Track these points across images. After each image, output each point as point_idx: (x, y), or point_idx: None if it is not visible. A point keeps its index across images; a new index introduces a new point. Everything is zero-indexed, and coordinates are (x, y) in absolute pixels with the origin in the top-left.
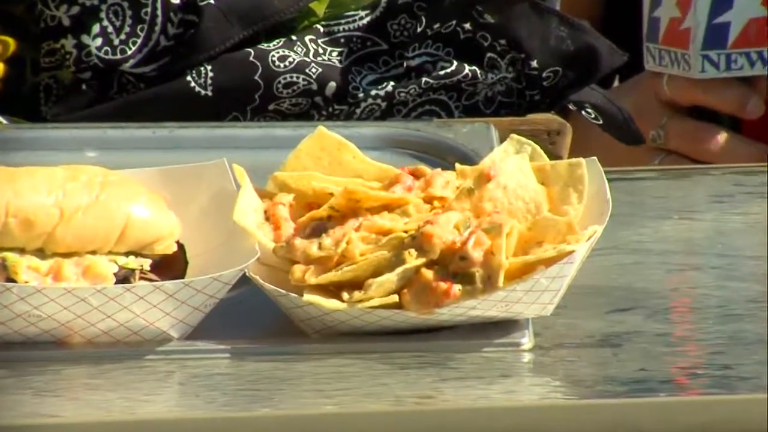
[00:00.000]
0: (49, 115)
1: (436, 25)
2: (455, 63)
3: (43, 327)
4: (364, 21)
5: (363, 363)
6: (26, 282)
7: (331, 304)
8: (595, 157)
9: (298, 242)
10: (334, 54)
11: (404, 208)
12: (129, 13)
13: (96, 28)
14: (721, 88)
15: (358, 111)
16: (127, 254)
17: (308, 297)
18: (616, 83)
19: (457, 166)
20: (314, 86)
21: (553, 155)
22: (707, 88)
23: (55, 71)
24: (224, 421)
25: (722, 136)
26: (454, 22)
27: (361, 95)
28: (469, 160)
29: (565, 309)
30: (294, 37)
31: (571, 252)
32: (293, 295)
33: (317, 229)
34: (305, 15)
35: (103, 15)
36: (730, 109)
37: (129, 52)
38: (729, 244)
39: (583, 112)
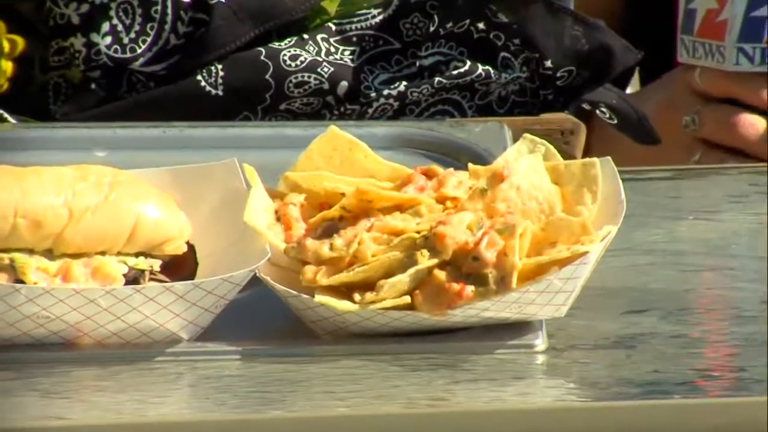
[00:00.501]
0: (58, 114)
1: (449, 24)
2: (468, 62)
3: (51, 328)
4: (377, 20)
5: (375, 365)
6: (35, 283)
7: (343, 305)
8: (609, 157)
9: (310, 243)
10: (346, 53)
11: (416, 209)
12: (139, 11)
13: (105, 27)
14: (755, 81)
15: (370, 111)
16: (136, 255)
17: (319, 298)
18: (636, 82)
19: (470, 166)
20: (326, 85)
21: (567, 155)
22: (740, 80)
23: (64, 70)
24: (235, 423)
25: (759, 123)
26: (467, 21)
27: (373, 95)
28: (482, 160)
29: (579, 310)
30: (305, 36)
31: (585, 253)
32: (304, 296)
33: (329, 230)
34: (317, 13)
35: (112, 13)
36: (763, 102)
37: (139, 51)
38: (744, 245)
39: (597, 112)
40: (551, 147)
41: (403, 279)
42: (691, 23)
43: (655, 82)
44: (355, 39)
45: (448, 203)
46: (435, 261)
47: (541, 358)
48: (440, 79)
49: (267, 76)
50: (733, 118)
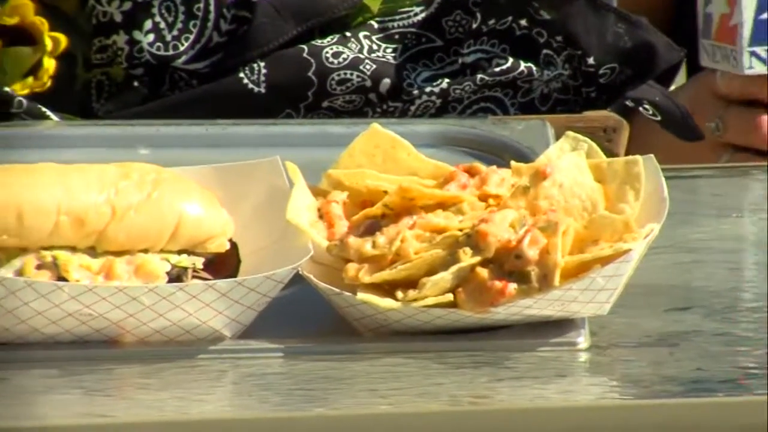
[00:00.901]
0: (101, 112)
1: (492, 22)
2: (511, 60)
3: (94, 326)
4: (419, 17)
5: (417, 362)
6: (77, 281)
7: (386, 302)
8: (652, 155)
9: (352, 240)
10: (389, 50)
11: (459, 206)
12: (181, 8)
13: (148, 24)
14: None
15: (412, 108)
16: (179, 252)
17: (362, 296)
18: (682, 80)
19: (513, 163)
20: (368, 83)
21: (610, 152)
22: (760, 82)
23: (107, 68)
24: (278, 421)
25: None
26: (510, 18)
27: (415, 92)
28: (525, 157)
29: (622, 308)
30: (348, 34)
31: (628, 250)
32: (347, 293)
33: (371, 228)
34: (359, 11)
35: (155, 11)
36: None
37: (181, 49)
38: None
39: (640, 109)
40: (594, 144)
41: (445, 277)
42: (709, 27)
43: (681, 86)
44: (397, 36)
45: (491, 201)
46: (477, 259)
47: (583, 356)
48: (483, 76)
49: (309, 74)
50: (756, 121)
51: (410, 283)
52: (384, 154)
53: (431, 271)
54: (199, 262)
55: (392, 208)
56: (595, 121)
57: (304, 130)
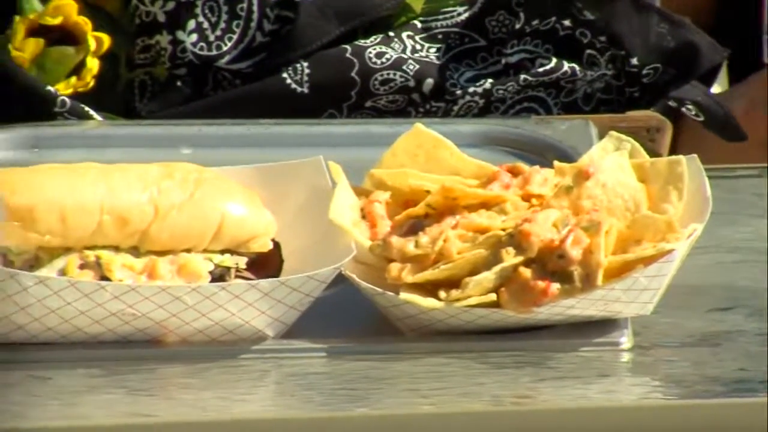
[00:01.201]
0: (143, 112)
1: (535, 22)
2: (554, 60)
3: (137, 325)
4: (462, 17)
5: (460, 362)
6: (120, 280)
7: (428, 302)
8: (695, 155)
9: (395, 240)
10: (432, 50)
11: (502, 206)
12: (225, 8)
13: (191, 24)
14: None
15: (455, 108)
16: (222, 252)
17: (405, 295)
18: (724, 81)
19: (556, 163)
20: (411, 83)
21: (653, 153)
22: None
23: (150, 67)
24: (320, 420)
25: None
26: (553, 18)
27: (458, 92)
28: (568, 157)
29: (665, 308)
30: (391, 33)
31: (671, 251)
32: (390, 293)
33: (414, 227)
34: (403, 11)
35: (198, 11)
36: None
37: (224, 48)
38: None
39: (683, 109)
40: (637, 144)
41: (488, 276)
42: None
43: (740, 84)
44: (440, 36)
45: (534, 201)
46: (520, 258)
47: (626, 356)
48: (526, 76)
49: (353, 74)
50: None
51: (453, 282)
52: (427, 154)
53: (474, 271)
54: (242, 261)
55: (435, 207)
56: (639, 121)
57: (346, 130)
